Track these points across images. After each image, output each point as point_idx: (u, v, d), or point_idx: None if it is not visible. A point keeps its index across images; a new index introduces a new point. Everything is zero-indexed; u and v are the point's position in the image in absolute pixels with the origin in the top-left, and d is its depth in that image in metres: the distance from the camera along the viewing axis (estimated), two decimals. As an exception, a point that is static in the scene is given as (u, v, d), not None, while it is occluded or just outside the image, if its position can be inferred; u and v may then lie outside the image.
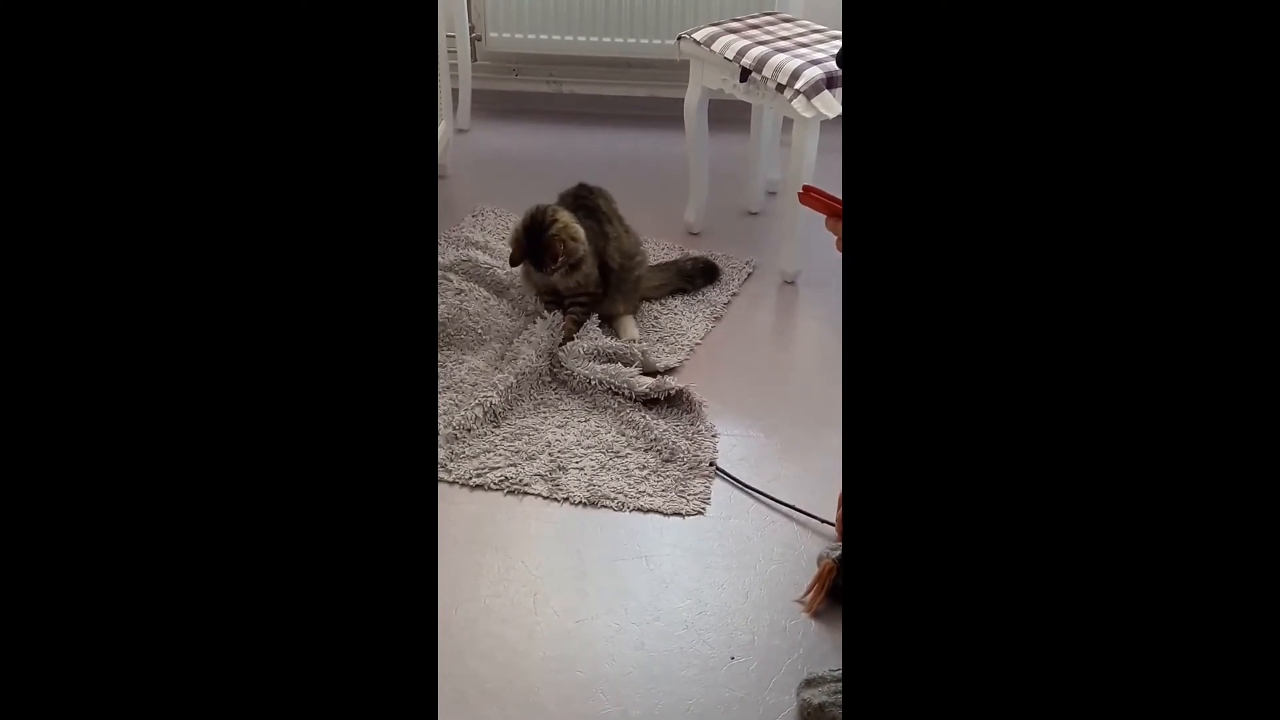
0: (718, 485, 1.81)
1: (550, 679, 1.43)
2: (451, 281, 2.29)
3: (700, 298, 2.32)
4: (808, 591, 1.57)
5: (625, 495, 1.77)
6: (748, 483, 1.79)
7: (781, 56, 2.24)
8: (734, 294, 2.36)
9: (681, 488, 1.78)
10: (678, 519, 1.73)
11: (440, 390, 1.96)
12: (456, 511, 1.72)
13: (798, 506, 1.73)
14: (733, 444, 1.89)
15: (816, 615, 1.53)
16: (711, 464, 1.84)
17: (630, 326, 2.21)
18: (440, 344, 2.10)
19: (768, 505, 1.76)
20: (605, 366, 2.01)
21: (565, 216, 2.14)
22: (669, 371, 2.08)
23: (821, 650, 1.47)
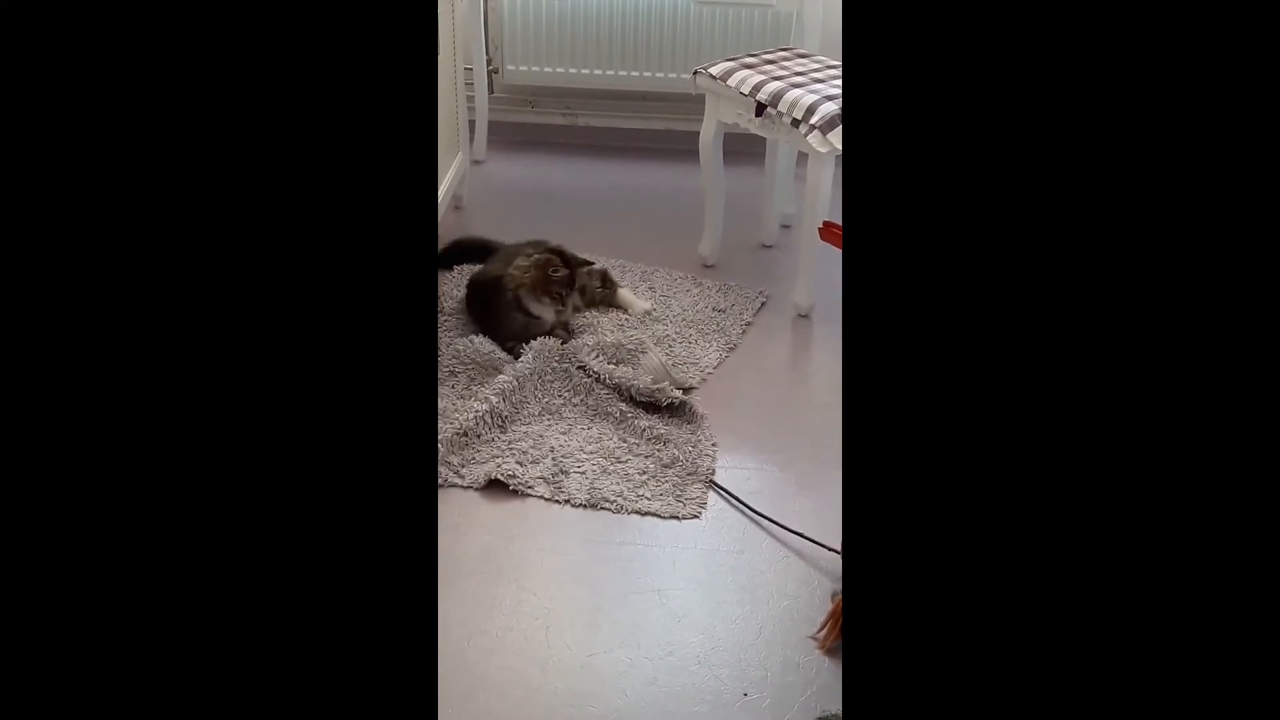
0: (735, 519, 1.81)
1: (564, 714, 1.42)
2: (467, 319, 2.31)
3: (716, 328, 2.33)
4: (821, 628, 1.56)
5: (624, 499, 1.81)
6: (766, 513, 1.79)
7: (797, 92, 2.26)
8: (748, 323, 2.36)
9: (679, 493, 1.83)
10: (675, 525, 1.77)
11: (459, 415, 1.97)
12: (468, 525, 1.73)
13: (815, 539, 1.72)
14: (747, 477, 1.89)
15: (830, 652, 1.52)
16: (710, 471, 1.88)
17: (634, 299, 2.37)
18: (460, 378, 2.12)
19: (782, 540, 1.75)
20: (613, 368, 2.05)
21: (530, 261, 2.23)
22: (687, 391, 2.09)
23: (835, 688, 1.46)
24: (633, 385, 2.02)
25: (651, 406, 2.02)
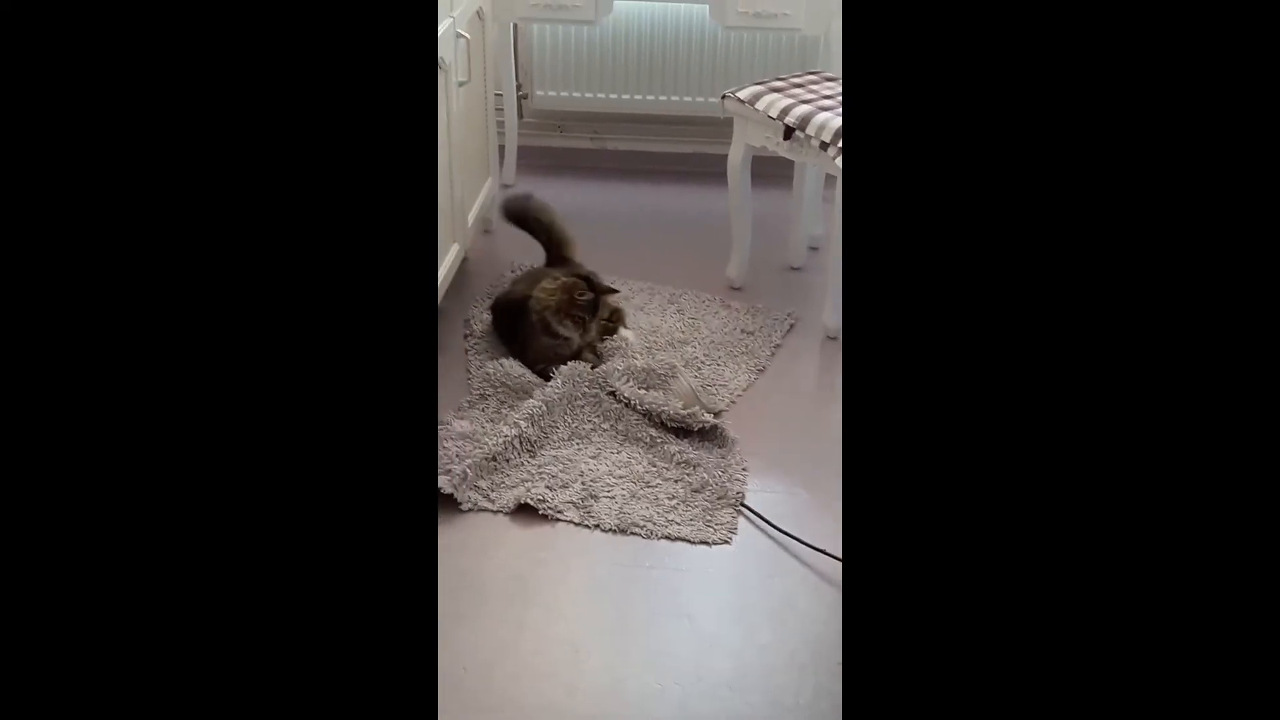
0: (765, 543, 1.79)
1: (592, 739, 1.42)
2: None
3: (744, 350, 2.33)
4: (853, 653, 1.54)
5: (654, 523, 1.81)
6: (796, 534, 1.78)
7: (825, 115, 2.26)
8: (777, 345, 2.36)
9: (709, 517, 1.83)
10: (705, 550, 1.77)
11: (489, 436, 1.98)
12: (496, 549, 1.73)
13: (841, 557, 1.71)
14: (776, 500, 1.88)
15: (863, 678, 1.51)
16: (740, 496, 1.87)
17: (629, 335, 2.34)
18: (491, 401, 2.12)
19: (812, 564, 1.74)
20: (644, 393, 2.05)
21: (557, 285, 2.22)
22: (718, 415, 2.09)
23: (868, 715, 1.45)
24: (663, 410, 2.02)
25: (682, 431, 2.01)
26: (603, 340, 2.27)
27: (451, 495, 1.83)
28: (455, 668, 1.52)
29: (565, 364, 2.13)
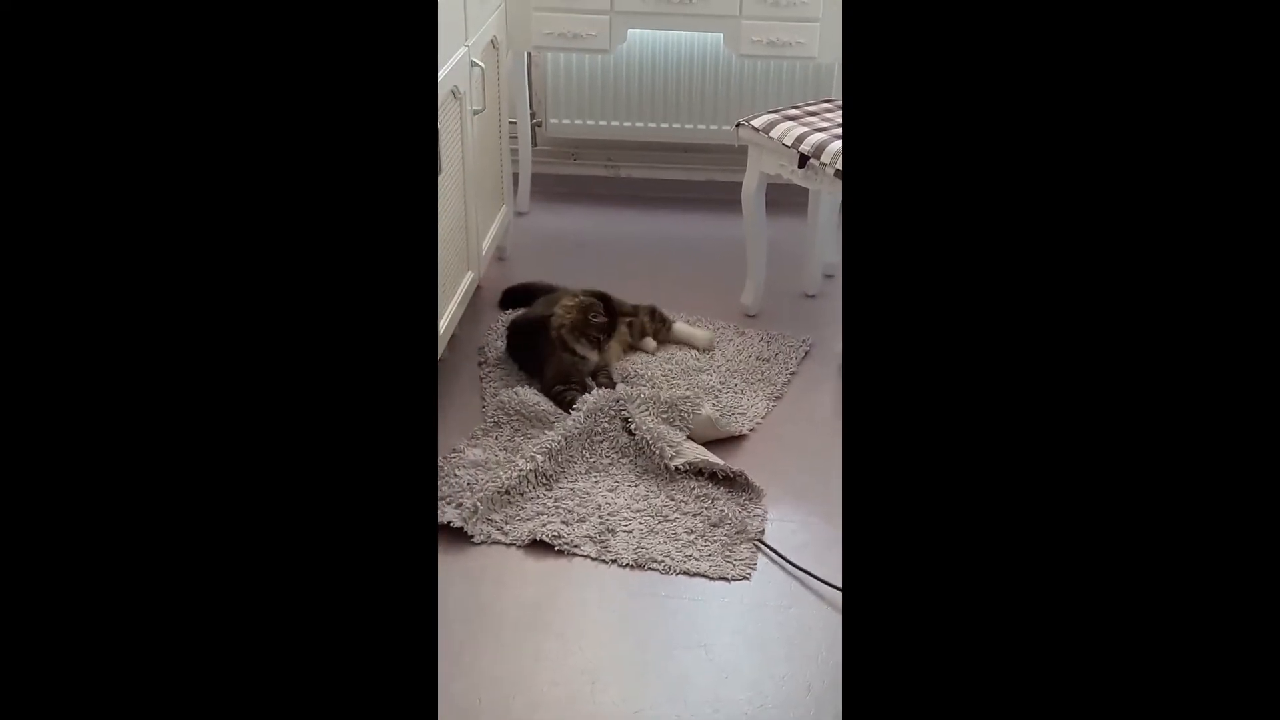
0: (782, 574, 1.78)
1: (609, 772, 1.40)
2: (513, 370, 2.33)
3: (761, 378, 2.32)
4: (873, 686, 1.52)
5: (672, 559, 1.79)
6: (812, 569, 1.76)
7: (839, 143, 2.26)
8: (793, 373, 2.35)
9: (728, 553, 1.81)
10: (724, 584, 1.75)
11: (501, 464, 1.97)
12: (512, 579, 1.72)
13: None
14: (793, 530, 1.87)
15: (883, 711, 1.49)
16: (759, 531, 1.86)
17: (693, 331, 2.43)
18: (505, 429, 2.12)
19: (829, 595, 1.72)
20: (656, 427, 2.02)
21: (574, 303, 2.26)
22: (738, 437, 2.09)
23: (889, 749, 1.43)
24: (677, 451, 1.98)
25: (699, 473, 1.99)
26: (663, 346, 2.32)
27: (462, 528, 1.82)
28: (470, 698, 1.51)
29: (588, 393, 2.12)
